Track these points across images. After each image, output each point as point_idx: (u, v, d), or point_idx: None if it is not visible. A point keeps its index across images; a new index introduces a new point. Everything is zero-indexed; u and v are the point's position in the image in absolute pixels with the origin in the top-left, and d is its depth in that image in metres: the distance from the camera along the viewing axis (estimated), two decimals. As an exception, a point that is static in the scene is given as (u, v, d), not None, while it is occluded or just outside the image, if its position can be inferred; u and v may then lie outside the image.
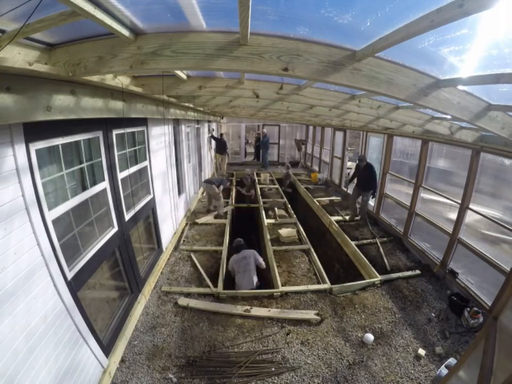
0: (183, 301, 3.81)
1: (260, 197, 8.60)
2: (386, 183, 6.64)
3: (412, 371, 2.92)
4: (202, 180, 8.28)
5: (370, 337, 3.28)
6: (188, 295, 3.99)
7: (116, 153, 3.19)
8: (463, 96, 2.20)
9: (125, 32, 1.51)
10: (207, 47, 1.61)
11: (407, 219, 5.63)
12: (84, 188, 2.65)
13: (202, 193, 8.60)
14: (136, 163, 3.91)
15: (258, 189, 9.53)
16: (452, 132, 3.60)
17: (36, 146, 1.94)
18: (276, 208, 7.45)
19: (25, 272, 1.81)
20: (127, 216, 3.47)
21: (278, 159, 15.40)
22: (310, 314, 3.63)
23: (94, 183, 2.81)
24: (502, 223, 3.63)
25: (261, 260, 4.50)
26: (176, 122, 6.01)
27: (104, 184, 2.95)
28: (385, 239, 5.88)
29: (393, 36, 1.37)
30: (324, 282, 4.36)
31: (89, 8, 1.17)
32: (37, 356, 1.84)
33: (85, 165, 2.65)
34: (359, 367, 2.96)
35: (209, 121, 11.01)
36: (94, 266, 2.67)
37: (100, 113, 2.55)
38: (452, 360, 2.93)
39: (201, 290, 4.08)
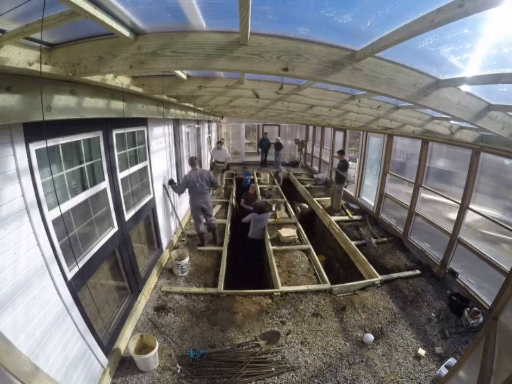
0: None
1: (260, 197, 8.60)
2: (386, 183, 6.65)
3: (412, 371, 2.92)
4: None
5: (370, 337, 3.28)
6: (188, 295, 4.00)
7: (116, 153, 3.19)
8: (463, 96, 2.20)
9: (125, 32, 1.51)
10: (207, 47, 1.61)
11: (407, 219, 5.63)
12: (84, 188, 2.65)
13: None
14: (136, 163, 3.91)
15: (258, 189, 9.53)
16: (452, 131, 3.60)
17: (36, 146, 1.94)
18: (276, 208, 7.45)
19: (25, 272, 1.81)
20: (127, 216, 3.47)
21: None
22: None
23: (94, 183, 2.81)
24: (502, 223, 3.63)
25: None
26: (176, 122, 6.01)
27: (104, 184, 2.95)
28: (385, 239, 5.89)
29: (393, 36, 1.37)
30: (324, 282, 4.36)
31: (89, 8, 1.17)
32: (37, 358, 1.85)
33: (85, 165, 2.65)
34: (359, 367, 2.96)
35: (209, 121, 11.01)
36: (94, 266, 2.67)
37: (100, 113, 2.55)
38: (451, 360, 2.93)
39: (202, 290, 4.09)
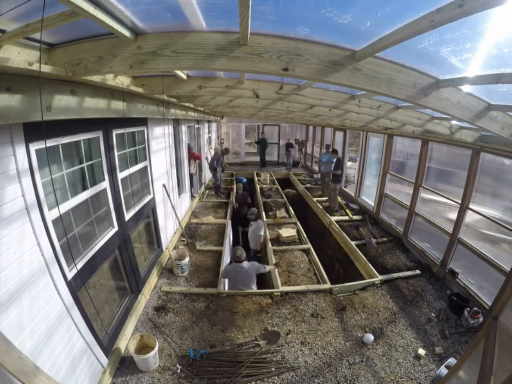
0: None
1: (260, 197, 8.60)
2: (386, 183, 6.64)
3: (412, 371, 2.92)
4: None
5: (370, 337, 3.28)
6: (188, 295, 4.00)
7: (116, 153, 3.19)
8: (463, 96, 2.20)
9: (125, 32, 1.51)
10: (207, 47, 1.61)
11: (407, 219, 5.63)
12: (84, 188, 2.65)
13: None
14: (136, 163, 3.91)
15: (258, 189, 9.54)
16: (452, 131, 3.60)
17: (36, 146, 1.94)
18: (275, 208, 7.46)
19: (26, 272, 1.81)
20: (127, 216, 3.47)
21: (278, 159, 15.42)
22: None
23: (94, 183, 2.81)
24: (502, 223, 3.63)
25: (262, 270, 4.08)
26: (176, 122, 6.02)
27: (104, 184, 2.95)
28: (385, 239, 5.89)
29: (393, 36, 1.37)
30: (324, 282, 4.36)
31: (89, 8, 1.17)
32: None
33: (85, 164, 2.66)
34: (359, 367, 2.95)
35: (209, 121, 11.01)
36: (94, 266, 2.68)
37: (101, 113, 2.55)
38: (451, 360, 2.93)
39: (201, 290, 4.09)
